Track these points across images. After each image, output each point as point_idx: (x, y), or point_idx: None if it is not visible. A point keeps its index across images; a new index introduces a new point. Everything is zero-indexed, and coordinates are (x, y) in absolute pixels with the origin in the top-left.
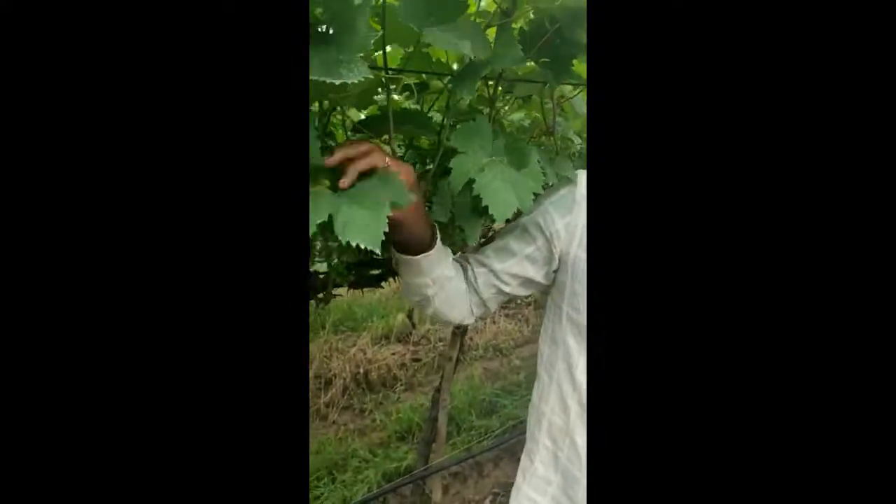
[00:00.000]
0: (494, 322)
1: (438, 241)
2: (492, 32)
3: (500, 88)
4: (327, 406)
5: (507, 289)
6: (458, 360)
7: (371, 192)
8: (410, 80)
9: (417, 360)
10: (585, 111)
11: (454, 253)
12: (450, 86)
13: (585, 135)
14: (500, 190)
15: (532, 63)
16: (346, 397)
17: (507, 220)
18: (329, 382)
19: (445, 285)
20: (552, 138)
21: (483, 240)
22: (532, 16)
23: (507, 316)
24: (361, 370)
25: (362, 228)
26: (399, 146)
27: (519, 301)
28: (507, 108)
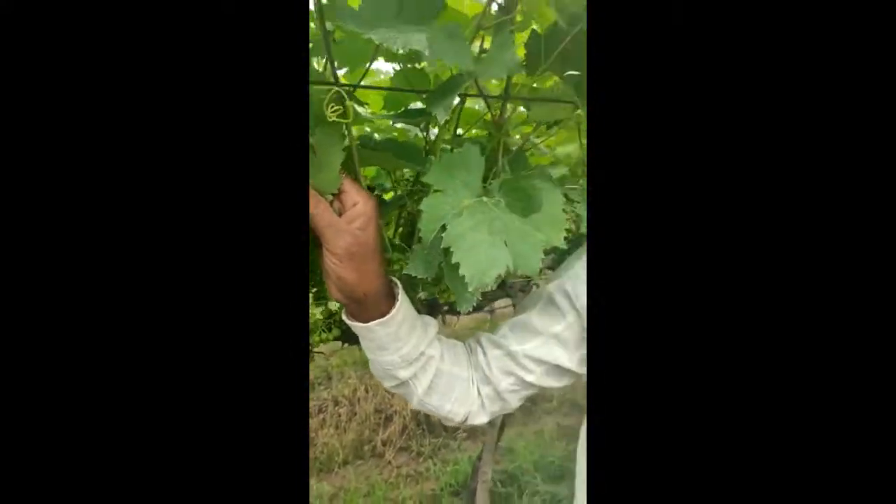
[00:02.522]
0: None
1: (403, 305)
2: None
3: (514, 110)
4: (384, 444)
5: (529, 377)
6: (503, 425)
7: None
8: (413, 102)
9: None
10: None
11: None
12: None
13: None
14: (481, 243)
15: (556, 78)
16: (404, 437)
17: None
18: (389, 419)
19: (428, 368)
20: None
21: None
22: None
23: None
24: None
25: None
26: (379, 182)
27: None
28: (536, 136)
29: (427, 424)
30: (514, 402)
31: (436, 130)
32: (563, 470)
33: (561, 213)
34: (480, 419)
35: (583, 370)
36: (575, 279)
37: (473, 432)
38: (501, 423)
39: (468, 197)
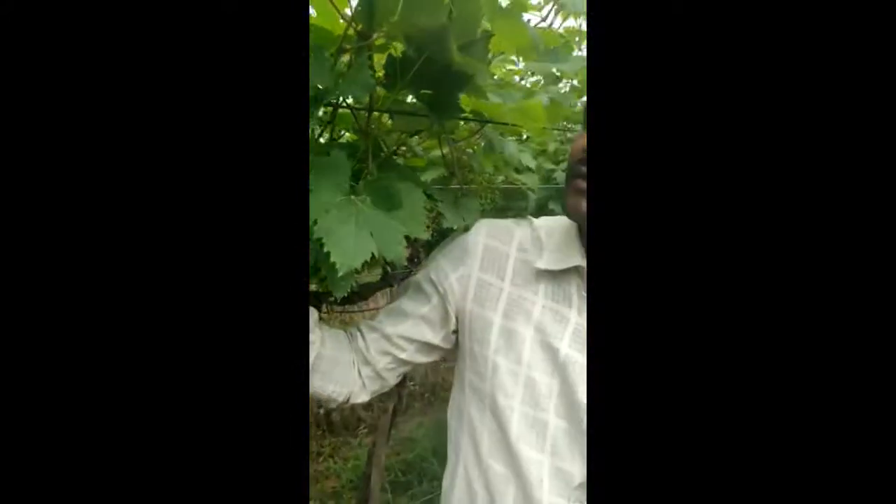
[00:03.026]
0: None
1: None
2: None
3: (385, 120)
4: None
5: (402, 355)
6: (395, 411)
7: None
8: None
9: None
10: (504, 147)
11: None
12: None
13: (506, 173)
14: (348, 234)
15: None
16: None
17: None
18: None
19: (309, 353)
20: (463, 177)
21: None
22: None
23: None
24: (322, 410)
25: None
26: None
27: None
28: (406, 145)
29: (327, 425)
30: (392, 379)
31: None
32: None
33: (421, 208)
34: (362, 398)
35: (447, 345)
36: (437, 268)
37: (374, 427)
38: (394, 409)
39: (337, 196)
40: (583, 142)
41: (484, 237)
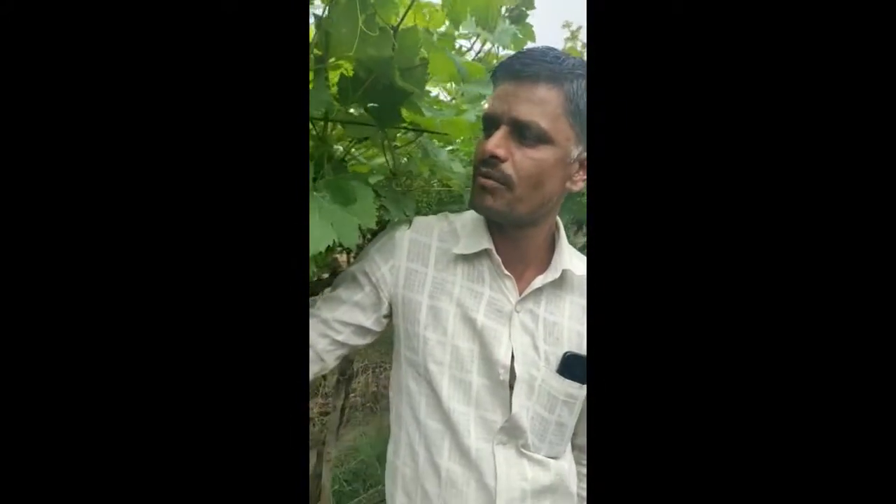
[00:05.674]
0: None
1: None
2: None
3: (336, 128)
4: None
5: (339, 337)
6: (343, 409)
7: None
8: None
9: (326, 414)
10: (437, 154)
11: None
12: None
13: (440, 177)
14: (314, 225)
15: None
16: None
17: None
18: None
19: None
20: (401, 178)
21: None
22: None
23: None
24: None
25: None
26: None
27: None
28: (354, 150)
29: None
30: (331, 361)
31: None
32: None
33: (371, 203)
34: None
35: (378, 328)
36: (370, 261)
37: (316, 442)
38: (343, 406)
39: None
40: (483, 146)
41: (409, 232)
